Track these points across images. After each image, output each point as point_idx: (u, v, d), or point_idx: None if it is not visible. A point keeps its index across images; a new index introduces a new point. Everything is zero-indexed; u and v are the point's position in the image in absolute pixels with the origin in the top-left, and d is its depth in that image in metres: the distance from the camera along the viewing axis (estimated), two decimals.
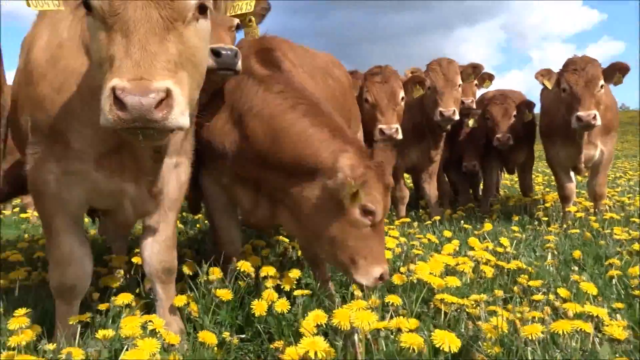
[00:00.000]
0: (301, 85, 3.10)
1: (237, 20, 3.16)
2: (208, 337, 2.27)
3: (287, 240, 4.33)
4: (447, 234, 4.87)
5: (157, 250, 2.77)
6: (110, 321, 2.55)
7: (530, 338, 2.10)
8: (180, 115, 1.72)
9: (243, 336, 2.68)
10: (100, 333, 2.12)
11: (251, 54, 3.22)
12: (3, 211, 7.64)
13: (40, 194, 2.53)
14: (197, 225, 6.17)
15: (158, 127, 1.69)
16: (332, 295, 3.04)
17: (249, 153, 3.03)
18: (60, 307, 2.62)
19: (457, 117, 5.85)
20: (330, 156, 2.76)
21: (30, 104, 2.51)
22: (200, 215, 5.73)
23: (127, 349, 2.04)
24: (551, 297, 2.84)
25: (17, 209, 8.28)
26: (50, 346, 2.15)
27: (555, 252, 4.12)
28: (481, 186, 7.97)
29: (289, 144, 2.84)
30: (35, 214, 6.60)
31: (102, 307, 2.66)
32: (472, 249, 3.98)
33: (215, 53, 2.78)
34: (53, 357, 2.14)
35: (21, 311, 2.37)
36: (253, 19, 3.39)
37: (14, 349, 2.17)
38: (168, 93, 1.67)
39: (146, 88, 1.64)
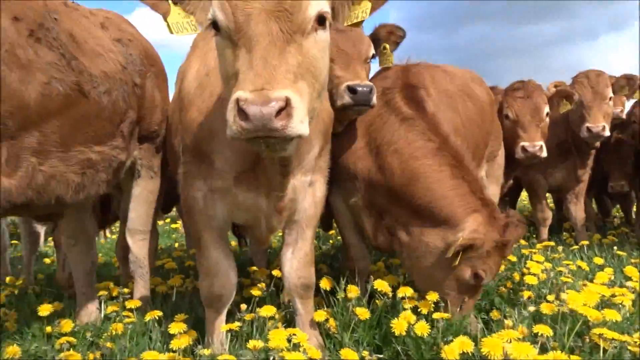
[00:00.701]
0: (445, 131, 3.13)
1: (372, 52, 3.23)
2: (350, 354, 2.29)
3: None
4: (598, 261, 4.42)
5: (295, 266, 2.87)
6: (256, 331, 2.68)
7: None
8: (300, 123, 1.75)
9: (381, 356, 2.67)
10: (251, 343, 2.25)
11: (396, 88, 3.30)
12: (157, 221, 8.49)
13: (190, 210, 2.76)
14: (330, 241, 6.31)
15: (278, 136, 1.74)
16: (473, 321, 2.92)
17: (380, 184, 3.15)
18: (210, 315, 2.82)
19: (607, 133, 5.34)
20: (462, 213, 2.85)
21: (182, 128, 2.78)
22: (332, 232, 5.87)
23: None
24: None
25: (168, 220, 9.15)
26: (206, 351, 2.32)
27: None
28: (634, 208, 7.14)
29: (424, 189, 2.94)
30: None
31: (248, 317, 2.81)
32: (629, 279, 3.60)
33: (352, 90, 2.87)
34: None
35: (180, 317, 2.60)
36: (387, 46, 3.46)
37: (174, 351, 2.38)
38: (287, 102, 1.72)
39: (266, 98, 1.70)
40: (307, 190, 2.81)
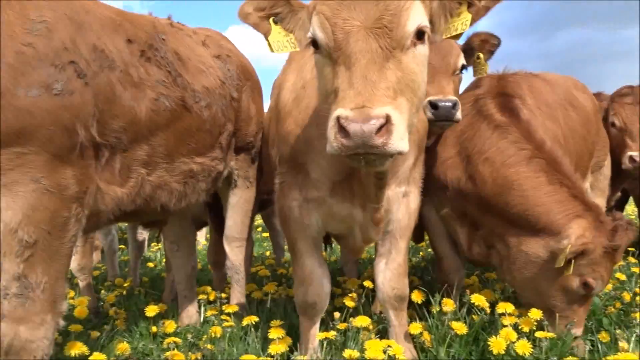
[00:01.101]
0: (540, 137, 3.02)
1: (461, 62, 3.15)
2: None
3: None
4: None
5: (389, 277, 2.84)
6: (350, 341, 2.69)
7: None
8: (400, 140, 1.75)
9: None
10: (347, 352, 2.26)
11: (489, 96, 3.21)
12: None
13: (286, 219, 2.83)
14: (420, 253, 6.20)
15: (379, 153, 1.75)
16: (579, 342, 2.73)
17: (472, 194, 3.08)
18: (304, 323, 2.86)
19: None
20: (564, 219, 2.72)
21: (278, 139, 2.86)
22: (423, 243, 5.75)
23: None
24: None
25: (259, 229, 9.41)
26: (303, 358, 2.36)
27: None
28: None
29: (518, 197, 2.85)
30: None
31: (341, 326, 2.82)
32: None
33: (433, 105, 2.83)
34: None
35: (276, 322, 2.67)
36: (481, 56, 3.35)
37: (272, 356, 2.44)
38: (387, 119, 1.72)
39: (367, 115, 1.71)
40: (402, 201, 2.79)
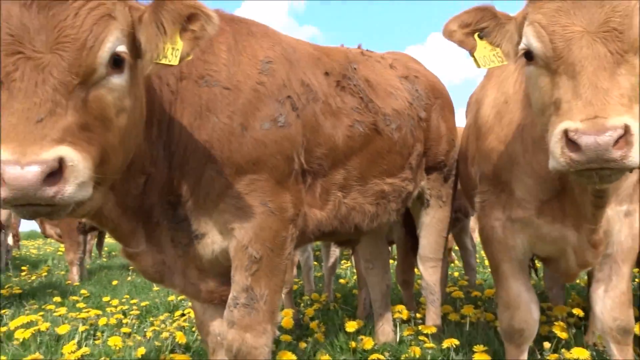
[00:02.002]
0: None
1: None
2: None
3: None
4: None
5: (610, 307, 2.54)
6: None
7: None
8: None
9: None
10: None
11: None
12: None
13: (488, 240, 2.71)
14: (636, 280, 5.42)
15: (616, 167, 1.61)
16: None
17: None
18: (510, 350, 2.69)
19: None
20: None
21: (479, 156, 2.77)
22: None
23: None
24: None
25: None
26: None
27: None
28: None
29: None
30: None
31: (552, 357, 2.60)
32: None
33: None
34: None
35: (480, 347, 2.56)
36: None
37: None
38: (626, 129, 1.58)
39: (602, 127, 1.58)
40: (624, 220, 2.48)
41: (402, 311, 3.88)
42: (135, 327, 4.32)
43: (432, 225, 3.65)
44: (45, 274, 8.45)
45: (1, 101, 1.50)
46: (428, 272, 3.63)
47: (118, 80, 1.68)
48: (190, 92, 2.21)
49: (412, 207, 3.64)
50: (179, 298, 5.36)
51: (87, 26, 1.57)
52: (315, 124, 2.56)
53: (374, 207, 3.03)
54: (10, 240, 11.01)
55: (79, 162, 1.49)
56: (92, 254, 11.53)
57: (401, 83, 3.39)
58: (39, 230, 11.26)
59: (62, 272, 8.74)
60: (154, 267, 2.34)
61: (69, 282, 7.49)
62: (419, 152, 3.38)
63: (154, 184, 2.17)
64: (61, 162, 1.45)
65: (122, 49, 1.67)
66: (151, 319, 4.70)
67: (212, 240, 2.29)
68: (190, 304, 4.84)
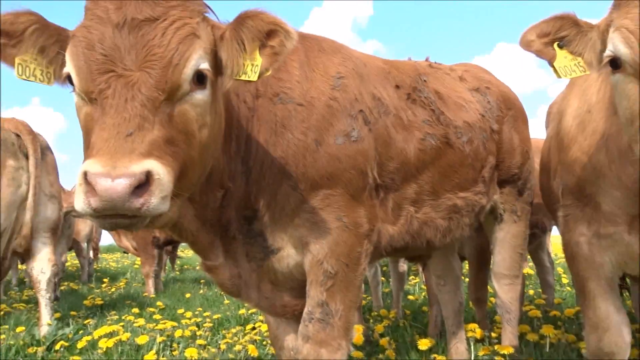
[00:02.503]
0: None
1: None
2: None
3: None
4: None
5: None
6: None
7: None
8: None
9: None
10: None
11: None
12: None
13: (573, 256, 2.59)
14: None
15: None
16: None
17: None
18: None
19: None
20: None
21: (562, 168, 2.65)
22: None
23: None
24: None
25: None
26: None
27: None
28: None
29: None
30: None
31: None
32: None
33: None
34: None
35: None
36: None
37: None
38: None
39: None
40: None
41: (475, 330, 3.75)
42: (208, 339, 4.44)
43: (506, 241, 3.51)
44: (124, 286, 8.89)
45: (95, 117, 1.59)
46: (503, 290, 3.49)
47: (201, 96, 1.74)
48: (266, 110, 2.27)
49: (485, 222, 3.53)
50: (250, 311, 5.47)
51: (174, 45, 1.64)
52: (387, 138, 2.55)
53: (446, 221, 2.97)
54: (91, 253, 11.71)
55: (164, 176, 1.55)
56: (166, 268, 12.02)
57: (472, 95, 3.32)
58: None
59: (139, 285, 9.16)
60: (231, 281, 2.40)
61: (146, 294, 7.84)
62: (492, 164, 3.28)
63: (232, 198, 2.23)
64: (148, 175, 1.51)
65: (205, 66, 1.73)
66: (223, 331, 4.81)
67: (287, 254, 2.33)
68: (261, 317, 4.94)
